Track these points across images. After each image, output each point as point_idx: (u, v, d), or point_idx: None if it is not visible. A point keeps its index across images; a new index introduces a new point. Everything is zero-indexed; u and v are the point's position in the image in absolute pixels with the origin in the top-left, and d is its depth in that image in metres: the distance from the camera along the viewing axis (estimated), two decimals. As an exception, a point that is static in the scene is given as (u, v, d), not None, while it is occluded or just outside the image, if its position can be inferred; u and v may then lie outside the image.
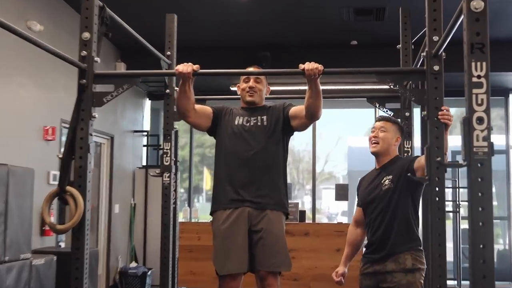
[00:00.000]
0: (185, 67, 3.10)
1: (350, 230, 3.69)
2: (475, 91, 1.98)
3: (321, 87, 3.19)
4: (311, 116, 3.32)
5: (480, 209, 1.95)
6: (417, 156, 3.39)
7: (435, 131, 2.62)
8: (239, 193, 3.35)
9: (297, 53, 7.84)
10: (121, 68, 8.05)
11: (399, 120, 3.86)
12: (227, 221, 3.31)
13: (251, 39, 7.82)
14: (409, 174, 3.19)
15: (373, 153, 3.52)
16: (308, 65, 3.01)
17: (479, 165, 1.97)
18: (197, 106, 3.45)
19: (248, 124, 3.45)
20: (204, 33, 7.54)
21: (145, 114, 9.45)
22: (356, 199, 3.75)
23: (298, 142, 9.79)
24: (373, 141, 3.49)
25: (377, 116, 3.67)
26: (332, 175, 10.93)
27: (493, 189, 2.49)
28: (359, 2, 6.55)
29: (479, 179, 1.96)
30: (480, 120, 1.98)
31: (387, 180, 3.39)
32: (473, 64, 1.98)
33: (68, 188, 2.79)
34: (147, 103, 9.58)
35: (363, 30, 7.43)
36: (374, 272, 3.37)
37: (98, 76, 3.00)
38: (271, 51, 7.86)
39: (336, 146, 10.63)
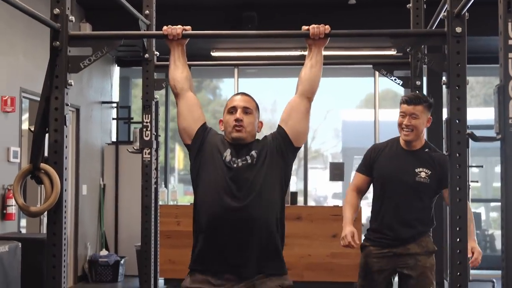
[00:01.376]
0: (173, 27, 3.03)
1: (352, 194, 3.82)
2: (512, 55, 1.98)
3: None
4: (311, 91, 3.03)
5: (515, 188, 1.96)
6: None
7: (456, 102, 2.62)
8: (223, 260, 2.88)
9: (288, 14, 7.73)
10: (86, 29, 7.92)
11: (426, 96, 3.80)
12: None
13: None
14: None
15: (405, 140, 3.70)
16: (313, 26, 2.98)
17: (514, 138, 1.97)
18: (193, 97, 3.08)
19: (235, 165, 2.92)
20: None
21: (113, 83, 9.35)
22: (361, 165, 3.85)
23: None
24: (406, 130, 3.65)
25: (403, 96, 3.75)
26: (320, 153, 10.85)
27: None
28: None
29: (515, 155, 1.97)
30: (517, 88, 1.98)
31: (423, 173, 3.64)
32: (509, 24, 1.98)
33: (42, 165, 2.76)
34: (116, 70, 9.47)
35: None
36: (394, 254, 3.65)
37: (73, 37, 2.94)
38: (257, 11, 7.78)
39: (325, 121, 10.52)
